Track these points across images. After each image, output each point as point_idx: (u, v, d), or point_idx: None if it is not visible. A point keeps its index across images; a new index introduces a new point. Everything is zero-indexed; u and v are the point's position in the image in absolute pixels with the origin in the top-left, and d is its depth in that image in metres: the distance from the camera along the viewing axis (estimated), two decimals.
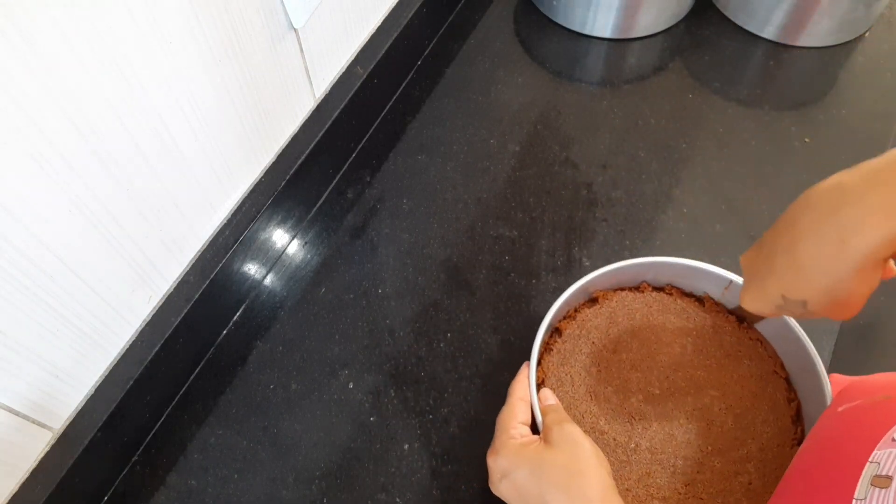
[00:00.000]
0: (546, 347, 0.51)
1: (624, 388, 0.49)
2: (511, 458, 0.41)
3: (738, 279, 0.50)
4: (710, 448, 0.47)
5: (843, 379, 0.50)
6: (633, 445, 0.47)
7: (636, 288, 0.54)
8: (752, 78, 0.75)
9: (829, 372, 0.55)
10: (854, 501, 0.31)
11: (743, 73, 0.75)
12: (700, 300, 0.53)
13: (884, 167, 0.32)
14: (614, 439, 0.48)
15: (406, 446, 0.54)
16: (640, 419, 0.48)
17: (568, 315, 0.53)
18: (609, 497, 0.38)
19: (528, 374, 0.46)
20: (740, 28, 0.78)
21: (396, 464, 0.53)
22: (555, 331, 0.52)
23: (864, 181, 0.32)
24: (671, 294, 0.53)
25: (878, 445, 0.32)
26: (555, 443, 0.40)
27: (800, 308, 0.36)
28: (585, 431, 0.42)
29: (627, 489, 0.46)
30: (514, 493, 0.40)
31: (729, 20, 0.79)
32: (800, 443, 0.46)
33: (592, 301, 0.53)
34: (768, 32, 0.77)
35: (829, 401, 0.44)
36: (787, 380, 0.49)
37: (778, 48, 0.77)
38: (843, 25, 0.74)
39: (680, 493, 0.45)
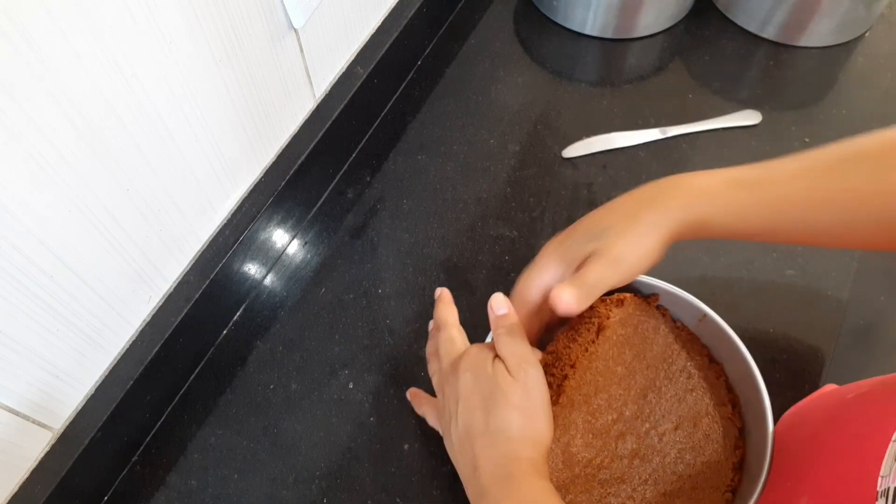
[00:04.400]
0: (581, 318, 0.48)
1: (608, 406, 0.47)
2: (484, 363, 0.41)
3: (712, 312, 0.48)
4: (642, 477, 0.46)
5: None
6: (573, 458, 0.46)
7: (648, 298, 0.51)
8: (752, 78, 0.75)
9: (828, 379, 0.54)
10: (879, 478, 0.32)
11: (743, 73, 0.75)
12: (679, 328, 0.51)
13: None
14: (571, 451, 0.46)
15: (406, 446, 0.54)
16: (609, 437, 0.47)
17: (620, 299, 0.49)
18: (540, 468, 0.38)
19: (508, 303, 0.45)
20: (740, 28, 0.78)
21: (396, 464, 0.53)
22: (616, 302, 0.49)
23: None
24: (665, 315, 0.51)
25: None
26: (520, 382, 0.40)
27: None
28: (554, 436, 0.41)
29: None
30: (468, 390, 0.40)
31: (729, 20, 0.79)
32: (734, 491, 0.46)
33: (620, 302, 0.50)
34: (768, 32, 0.77)
35: (767, 463, 0.43)
36: (742, 430, 0.48)
37: (778, 48, 0.77)
38: (843, 25, 0.74)
39: None
